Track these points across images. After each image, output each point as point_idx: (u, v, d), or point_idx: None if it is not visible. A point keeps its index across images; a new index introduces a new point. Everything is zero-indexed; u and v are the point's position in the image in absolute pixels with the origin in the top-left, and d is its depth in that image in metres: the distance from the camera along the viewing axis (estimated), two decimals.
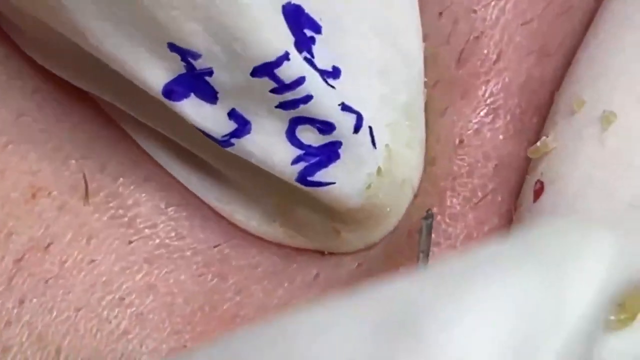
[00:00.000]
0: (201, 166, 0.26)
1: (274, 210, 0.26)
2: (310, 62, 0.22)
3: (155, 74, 0.22)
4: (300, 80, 0.22)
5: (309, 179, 0.23)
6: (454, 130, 0.25)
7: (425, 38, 0.25)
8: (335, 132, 0.23)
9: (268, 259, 0.26)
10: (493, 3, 0.25)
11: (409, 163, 0.25)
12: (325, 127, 0.23)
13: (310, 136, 0.23)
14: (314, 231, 0.26)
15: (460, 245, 0.25)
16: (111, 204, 0.26)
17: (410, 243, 0.25)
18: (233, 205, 0.26)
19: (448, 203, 0.25)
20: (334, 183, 0.24)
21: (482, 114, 0.25)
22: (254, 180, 0.25)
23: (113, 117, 0.26)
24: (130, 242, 0.25)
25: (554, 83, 0.26)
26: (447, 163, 0.25)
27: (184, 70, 0.22)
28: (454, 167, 0.25)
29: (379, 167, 0.24)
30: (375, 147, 0.24)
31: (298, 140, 0.23)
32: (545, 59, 0.26)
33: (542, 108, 0.25)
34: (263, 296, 0.26)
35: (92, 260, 0.25)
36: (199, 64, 0.21)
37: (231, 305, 0.26)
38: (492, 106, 0.25)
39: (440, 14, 0.25)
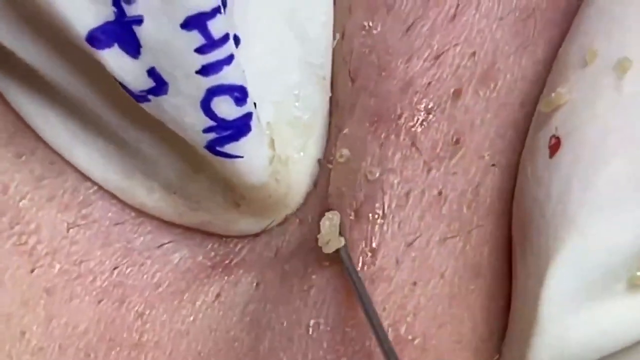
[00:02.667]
0: (104, 137, 0.25)
1: (176, 181, 0.26)
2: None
3: (82, 17, 0.22)
4: (226, 37, 0.22)
5: (218, 149, 0.24)
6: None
7: None
8: (248, 100, 0.23)
9: (169, 277, 0.26)
10: None
11: (291, 143, 0.26)
12: (242, 94, 0.23)
13: (225, 108, 0.23)
14: (214, 203, 0.26)
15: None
16: (14, 229, 0.25)
17: (303, 271, 0.26)
18: (134, 178, 0.26)
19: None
20: (242, 157, 0.24)
21: None
22: (158, 147, 0.25)
23: None
24: (32, 271, 0.25)
25: None
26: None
27: (112, 18, 0.22)
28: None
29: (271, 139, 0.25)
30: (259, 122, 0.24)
31: (212, 112, 0.23)
32: None
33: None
34: (167, 318, 0.26)
35: None
36: (131, 10, 0.21)
37: (133, 330, 0.26)
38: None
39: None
